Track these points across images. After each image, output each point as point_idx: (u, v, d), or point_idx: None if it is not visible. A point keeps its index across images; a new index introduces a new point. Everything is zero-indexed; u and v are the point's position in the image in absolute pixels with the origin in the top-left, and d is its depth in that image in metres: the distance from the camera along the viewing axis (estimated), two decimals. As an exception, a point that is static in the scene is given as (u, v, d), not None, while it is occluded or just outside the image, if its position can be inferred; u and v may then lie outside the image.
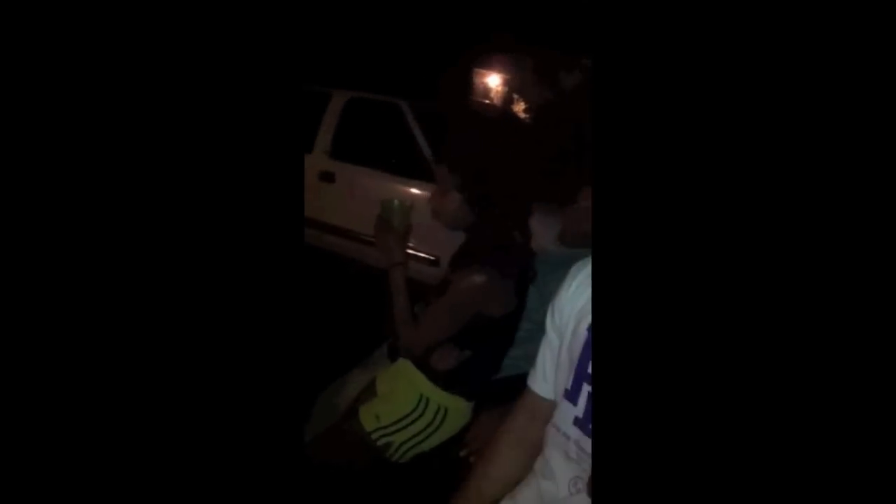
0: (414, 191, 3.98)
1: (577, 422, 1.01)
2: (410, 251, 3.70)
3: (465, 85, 9.90)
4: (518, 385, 1.24)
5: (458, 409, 1.76)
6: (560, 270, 1.18)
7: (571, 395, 1.03)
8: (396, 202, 1.79)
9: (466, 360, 1.72)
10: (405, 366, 1.80)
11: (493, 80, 10.33)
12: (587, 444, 0.99)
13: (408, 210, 1.80)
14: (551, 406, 1.10)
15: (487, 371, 1.80)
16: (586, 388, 0.99)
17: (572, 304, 1.07)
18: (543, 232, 2.26)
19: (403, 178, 4.15)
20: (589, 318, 1.01)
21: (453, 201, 1.72)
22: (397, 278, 1.71)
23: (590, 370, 0.99)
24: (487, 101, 9.53)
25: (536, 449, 1.13)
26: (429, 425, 1.73)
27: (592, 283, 0.73)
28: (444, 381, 1.74)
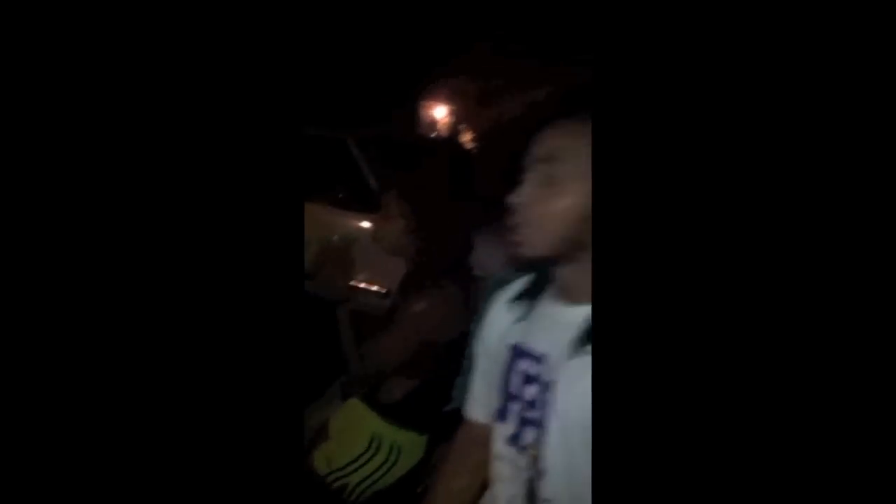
0: (364, 224, 3.95)
1: (509, 441, 1.00)
2: (362, 284, 3.67)
3: (412, 117, 10.02)
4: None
5: (412, 445, 1.73)
6: None
7: (501, 416, 1.02)
8: (336, 237, 1.78)
9: (416, 391, 1.70)
10: (355, 405, 1.77)
11: (440, 112, 10.49)
12: (520, 461, 0.98)
13: (349, 245, 1.79)
14: (488, 429, 1.09)
15: (438, 400, 1.77)
16: (513, 407, 0.99)
17: (495, 327, 1.08)
18: (490, 257, 2.27)
19: (352, 212, 4.13)
20: (510, 339, 1.01)
21: (396, 227, 1.72)
22: (342, 314, 1.70)
23: (514, 389, 0.99)
24: (434, 132, 9.65)
25: (482, 475, 1.12)
26: (383, 464, 1.69)
27: (593, 287, 0.73)
28: (395, 414, 1.71)
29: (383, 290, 3.82)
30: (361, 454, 1.69)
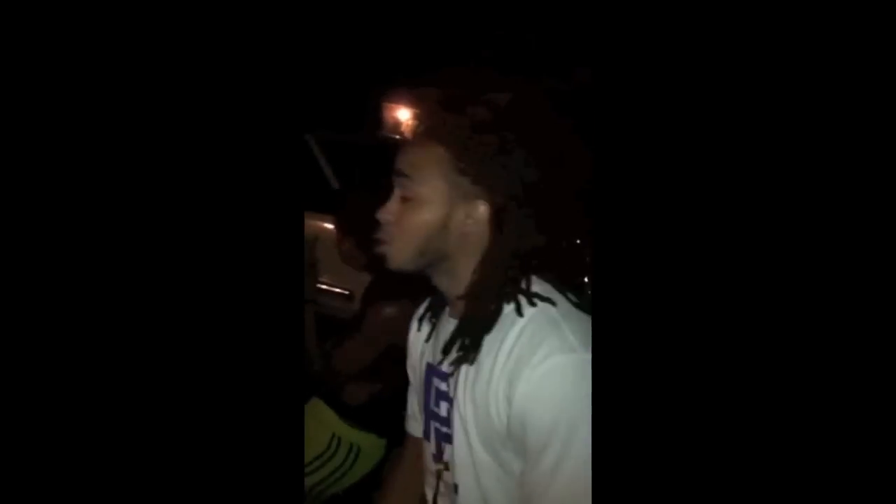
0: (326, 225, 3.92)
1: (434, 458, 1.01)
2: (324, 286, 3.64)
3: (376, 119, 9.95)
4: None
5: (370, 447, 1.73)
6: None
7: (426, 434, 1.04)
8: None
9: (379, 394, 1.70)
10: (316, 405, 1.76)
11: (403, 114, 10.44)
12: (447, 476, 0.99)
13: (311, 245, 1.78)
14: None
15: (399, 405, 1.77)
16: (433, 425, 1.00)
17: (414, 346, 1.10)
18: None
19: (313, 212, 4.09)
20: (424, 358, 1.04)
21: (352, 244, 1.76)
22: (307, 314, 1.69)
23: (432, 407, 1.00)
24: (398, 136, 9.59)
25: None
26: (341, 465, 1.69)
27: (592, 296, 0.74)
28: (357, 416, 1.71)
29: (346, 293, 3.79)
30: (320, 455, 1.69)
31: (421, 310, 1.10)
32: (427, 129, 0.91)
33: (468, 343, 0.89)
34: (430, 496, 1.05)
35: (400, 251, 0.92)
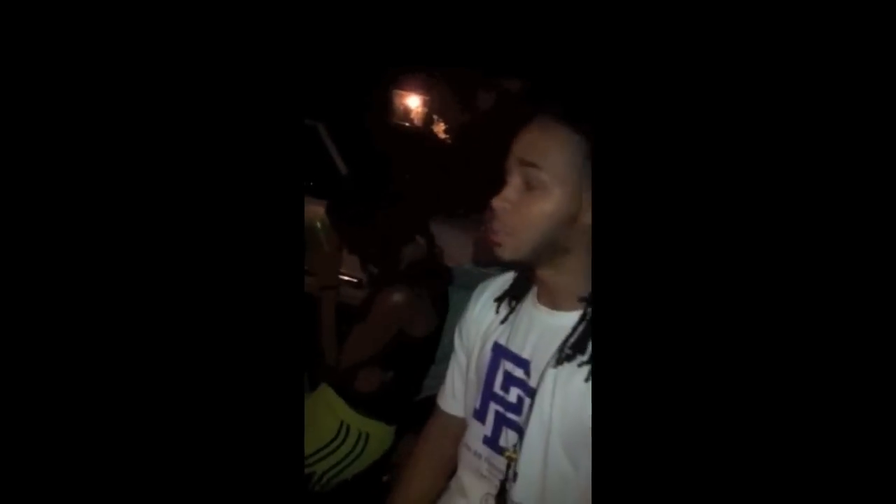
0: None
1: (487, 440, 1.00)
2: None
3: (386, 106, 9.95)
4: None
5: (379, 434, 1.73)
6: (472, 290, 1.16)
7: (480, 415, 1.01)
8: (318, 223, 1.76)
9: (388, 382, 1.70)
10: (325, 392, 1.76)
11: (413, 101, 10.42)
12: (497, 461, 0.98)
13: (331, 232, 1.77)
14: (462, 423, 1.09)
15: (409, 392, 1.78)
16: (493, 407, 0.99)
17: (477, 324, 1.06)
18: (458, 251, 2.28)
19: (323, 200, 4.09)
20: (493, 338, 1.01)
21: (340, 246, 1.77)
22: (328, 302, 1.69)
23: (496, 389, 0.98)
24: (408, 123, 9.59)
25: (451, 467, 1.12)
26: (350, 452, 1.69)
27: (592, 292, 0.74)
28: (366, 404, 1.71)
29: (355, 280, 3.80)
30: (329, 442, 1.69)
31: (493, 290, 1.05)
32: (556, 112, 0.86)
33: (577, 344, 0.86)
34: (473, 476, 1.03)
35: (519, 243, 0.88)
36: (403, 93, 10.40)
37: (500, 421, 0.98)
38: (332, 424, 1.70)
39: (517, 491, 0.93)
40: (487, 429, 1.00)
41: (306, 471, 1.66)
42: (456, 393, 1.12)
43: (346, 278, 3.79)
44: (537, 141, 0.86)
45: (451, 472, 1.13)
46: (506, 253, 0.89)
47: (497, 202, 0.88)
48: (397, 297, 1.62)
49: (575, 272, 0.88)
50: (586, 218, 0.85)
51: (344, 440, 1.69)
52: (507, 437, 0.97)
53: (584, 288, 0.88)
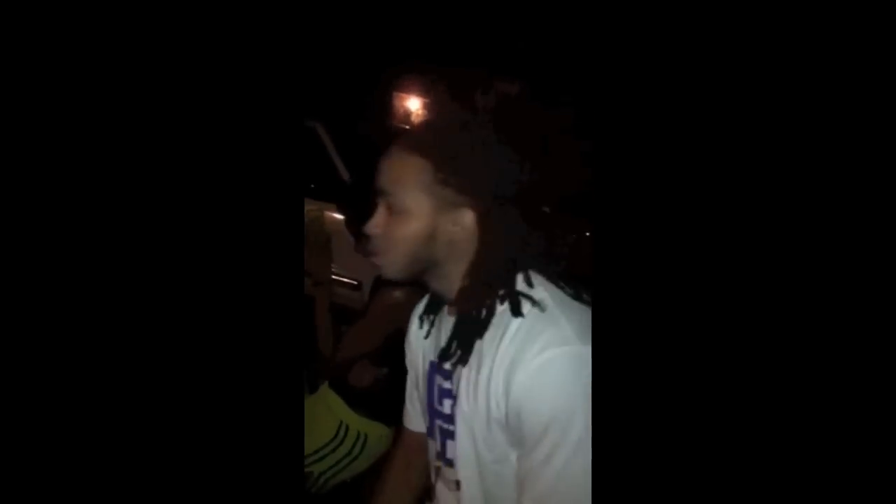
0: (337, 216, 3.93)
1: (439, 455, 1.03)
2: (333, 276, 3.66)
3: (385, 108, 9.92)
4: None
5: (378, 435, 1.74)
6: None
7: (430, 432, 1.05)
8: (306, 220, 1.76)
9: (385, 380, 1.71)
10: (325, 392, 1.77)
11: (413, 104, 10.40)
12: (450, 473, 1.00)
13: (320, 220, 1.77)
14: (425, 438, 1.12)
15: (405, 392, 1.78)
16: (437, 423, 1.02)
17: (414, 339, 1.11)
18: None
19: (323, 202, 4.10)
20: (428, 357, 1.04)
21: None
22: (321, 298, 1.70)
23: (435, 405, 1.01)
24: (407, 126, 9.56)
25: (421, 481, 1.17)
26: (349, 453, 1.70)
27: (592, 297, 0.76)
28: (366, 405, 1.72)
29: (354, 282, 3.81)
30: (328, 442, 1.70)
31: (420, 308, 1.11)
32: (405, 141, 0.92)
33: (462, 345, 0.91)
34: (440, 489, 1.05)
35: (391, 262, 0.93)
36: (402, 95, 10.39)
37: (443, 434, 1.00)
38: (331, 425, 1.71)
39: (464, 497, 0.97)
40: (437, 444, 1.03)
41: (306, 470, 1.66)
42: (411, 409, 1.18)
43: (343, 280, 3.80)
44: (389, 170, 0.92)
45: (420, 485, 1.17)
46: (385, 271, 0.95)
47: (368, 228, 0.94)
48: (397, 294, 1.64)
49: (453, 279, 0.93)
50: (447, 232, 0.90)
51: (342, 441, 1.70)
52: (449, 448, 0.99)
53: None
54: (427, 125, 0.95)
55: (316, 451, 1.68)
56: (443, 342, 0.97)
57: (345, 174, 4.13)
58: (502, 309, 0.89)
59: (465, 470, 0.95)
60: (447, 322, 0.99)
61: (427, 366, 1.04)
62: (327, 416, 1.73)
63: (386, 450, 1.75)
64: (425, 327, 1.06)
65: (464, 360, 0.91)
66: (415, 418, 1.17)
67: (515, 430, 0.85)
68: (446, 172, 0.88)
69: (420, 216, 0.90)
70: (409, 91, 10.32)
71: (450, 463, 1.00)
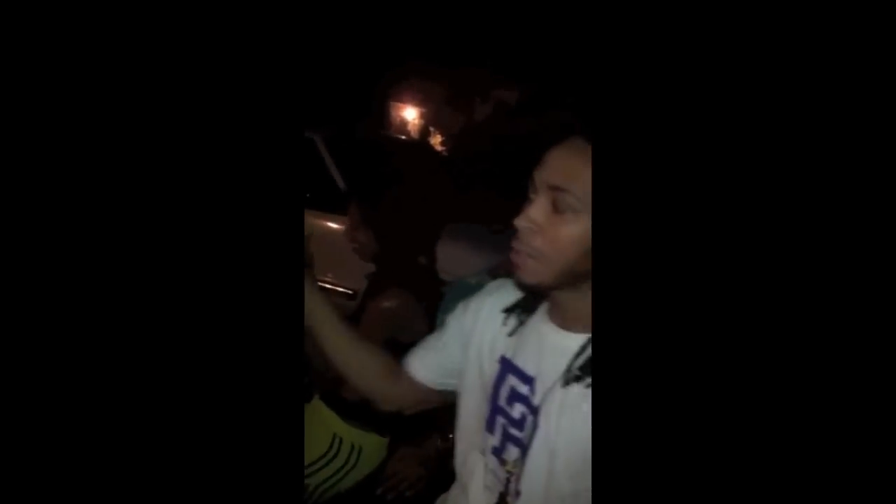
0: (331, 224, 3.93)
1: (495, 451, 0.99)
2: (328, 285, 3.65)
3: (382, 117, 9.98)
4: (434, 417, 1.21)
5: (372, 446, 1.73)
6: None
7: (489, 426, 1.00)
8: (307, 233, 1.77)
9: None
10: (317, 406, 1.76)
11: (410, 113, 10.47)
12: (500, 472, 0.97)
13: (307, 238, 1.79)
14: (413, 385, 1.11)
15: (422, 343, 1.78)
16: (500, 420, 0.97)
17: (483, 320, 1.04)
18: (465, 260, 2.28)
19: (319, 211, 4.10)
20: (499, 351, 0.99)
21: (367, 234, 1.75)
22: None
23: (501, 403, 0.97)
24: (404, 135, 9.63)
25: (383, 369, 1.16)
26: (344, 465, 1.69)
27: (593, 312, 0.73)
28: (358, 416, 1.70)
29: (349, 292, 3.80)
30: (323, 455, 1.68)
31: (509, 302, 1.01)
32: (588, 134, 0.82)
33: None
34: (474, 486, 1.02)
35: (544, 268, 0.84)
36: (400, 105, 10.45)
37: (506, 436, 0.97)
38: (325, 438, 1.69)
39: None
40: (496, 440, 0.98)
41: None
42: (424, 361, 1.12)
43: (338, 289, 3.79)
44: (567, 164, 0.82)
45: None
46: (527, 276, 0.86)
47: (521, 222, 0.84)
48: (390, 303, 1.63)
49: (588, 300, 0.85)
50: None
51: (337, 453, 1.68)
52: (510, 452, 0.96)
53: None
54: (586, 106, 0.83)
55: (311, 465, 1.66)
56: (530, 349, 0.93)
57: (342, 184, 4.13)
58: None
59: (530, 484, 0.91)
60: (545, 329, 0.93)
61: (498, 360, 0.98)
62: (320, 429, 1.71)
63: (382, 460, 1.73)
64: (509, 324, 0.99)
65: (583, 381, 0.84)
66: (420, 369, 1.12)
67: None
68: None
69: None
70: (405, 101, 10.38)
71: (503, 463, 0.96)
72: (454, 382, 1.09)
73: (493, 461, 1.00)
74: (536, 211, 0.83)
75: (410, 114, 10.40)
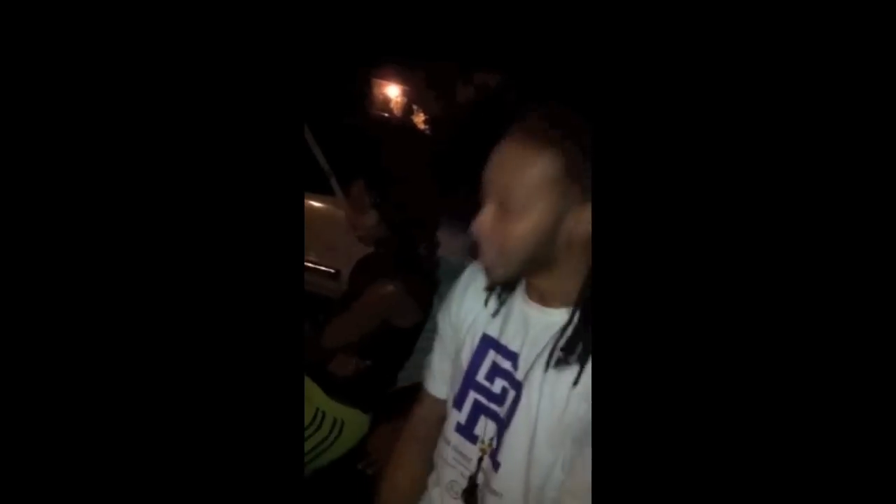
0: (314, 204, 3.93)
1: (459, 428, 1.02)
2: (311, 264, 3.66)
3: (365, 97, 9.86)
4: (415, 394, 1.24)
5: (354, 422, 1.76)
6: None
7: (457, 402, 1.03)
8: None
9: (365, 370, 1.73)
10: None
11: (393, 91, 10.36)
12: (466, 449, 1.00)
13: None
14: (445, 406, 1.08)
15: (384, 381, 1.81)
16: (472, 396, 1.00)
17: (466, 309, 1.06)
18: (450, 244, 2.30)
19: (305, 192, 4.07)
20: (481, 330, 1.02)
21: (371, 218, 1.74)
22: None
23: (479, 378, 1.00)
24: (387, 113, 9.52)
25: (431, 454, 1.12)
26: (325, 439, 1.72)
27: (593, 308, 0.77)
28: (342, 391, 1.74)
29: (332, 271, 3.81)
30: (304, 428, 1.71)
31: (482, 280, 1.03)
32: (527, 133, 0.84)
33: (585, 343, 0.86)
34: (442, 462, 1.04)
35: (505, 264, 0.88)
36: (383, 83, 10.34)
37: (478, 410, 0.99)
38: (308, 411, 1.73)
39: (499, 481, 0.94)
40: (462, 416, 1.01)
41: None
42: (443, 375, 1.11)
43: (321, 268, 3.80)
44: (507, 163, 0.85)
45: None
46: (494, 275, 0.91)
47: (476, 227, 0.88)
48: (389, 288, 1.65)
49: (563, 276, 0.89)
50: (568, 230, 0.85)
51: (319, 426, 1.72)
52: (485, 427, 0.98)
53: (573, 288, 0.89)
54: (554, 115, 0.86)
55: (293, 438, 1.68)
56: (512, 327, 0.95)
57: (324, 165, 4.12)
58: None
59: (510, 457, 0.93)
60: (526, 308, 0.95)
61: (480, 339, 1.01)
62: (303, 402, 1.74)
63: (363, 436, 1.77)
64: (491, 305, 1.01)
65: (584, 359, 0.86)
66: (440, 384, 1.11)
67: (584, 428, 0.84)
68: (579, 167, 0.81)
69: (542, 213, 0.83)
70: (389, 80, 10.27)
71: (474, 439, 0.98)
72: None
73: (455, 437, 1.02)
74: (486, 216, 0.87)
75: (392, 93, 10.30)
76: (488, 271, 0.91)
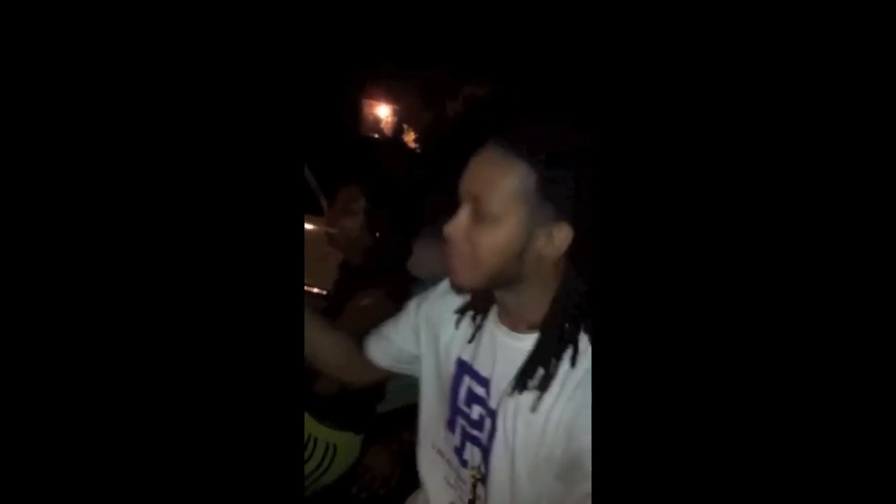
0: (305, 225, 3.90)
1: (457, 451, 1.01)
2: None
3: (356, 115, 9.93)
4: (406, 414, 1.22)
5: (347, 445, 1.73)
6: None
7: (450, 425, 1.02)
8: None
9: (351, 388, 1.69)
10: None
11: (383, 111, 10.44)
12: (463, 473, 0.99)
13: None
14: (371, 367, 1.16)
15: (372, 398, 1.77)
16: (460, 422, 0.99)
17: (438, 327, 1.06)
18: (428, 258, 2.28)
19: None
20: (456, 353, 1.01)
21: (355, 221, 1.73)
22: None
23: (460, 404, 0.99)
24: (377, 134, 9.59)
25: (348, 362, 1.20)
26: (319, 465, 1.69)
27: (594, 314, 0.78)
28: (331, 415, 1.71)
29: (324, 293, 3.78)
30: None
31: (463, 305, 1.03)
32: (506, 142, 0.84)
33: (547, 368, 0.85)
34: (434, 483, 1.06)
35: (470, 273, 0.87)
36: (373, 102, 10.41)
37: (465, 436, 0.98)
38: (300, 438, 1.69)
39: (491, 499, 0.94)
40: (457, 439, 1.00)
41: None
42: (379, 344, 1.16)
43: (315, 291, 3.77)
44: (483, 172, 0.84)
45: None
46: (460, 280, 0.89)
47: (448, 230, 0.87)
48: (367, 301, 1.62)
49: (530, 298, 0.88)
50: (538, 247, 0.84)
51: (312, 453, 1.68)
52: (473, 454, 0.97)
53: (538, 314, 0.88)
54: (533, 127, 0.86)
55: (285, 465, 1.65)
56: (483, 352, 0.94)
57: (314, 184, 4.10)
58: (584, 343, 0.85)
59: (497, 483, 0.93)
60: (497, 332, 0.95)
61: (456, 362, 1.00)
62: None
63: (356, 458, 1.74)
64: (463, 327, 1.01)
65: (544, 386, 0.85)
66: (377, 353, 1.16)
67: (566, 468, 0.83)
68: (553, 182, 0.80)
69: (513, 226, 0.82)
70: (378, 99, 10.34)
71: (465, 464, 0.98)
72: (409, 367, 1.13)
73: (455, 459, 1.01)
74: (460, 220, 0.86)
75: (383, 110, 10.37)
76: (453, 275, 0.90)
